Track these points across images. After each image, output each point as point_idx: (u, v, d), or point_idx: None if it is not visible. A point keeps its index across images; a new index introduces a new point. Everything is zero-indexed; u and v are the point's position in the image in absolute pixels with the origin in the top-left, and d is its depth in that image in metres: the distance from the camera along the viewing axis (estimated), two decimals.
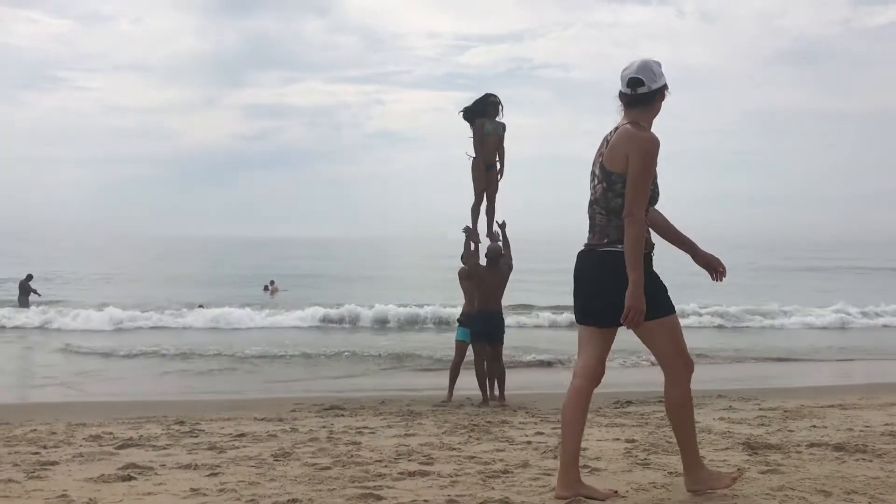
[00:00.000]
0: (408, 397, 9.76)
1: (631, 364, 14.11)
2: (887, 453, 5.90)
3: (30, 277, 25.03)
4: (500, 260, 9.52)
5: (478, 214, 9.41)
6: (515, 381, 10.46)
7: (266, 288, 31.19)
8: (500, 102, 9.28)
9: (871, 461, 5.67)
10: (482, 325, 9.46)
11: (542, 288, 29.53)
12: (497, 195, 9.45)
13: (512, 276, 9.61)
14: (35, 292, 24.72)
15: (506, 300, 9.77)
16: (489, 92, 9.33)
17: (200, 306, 23.33)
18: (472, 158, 9.26)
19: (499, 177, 9.38)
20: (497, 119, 9.27)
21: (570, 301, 4.66)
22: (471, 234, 9.48)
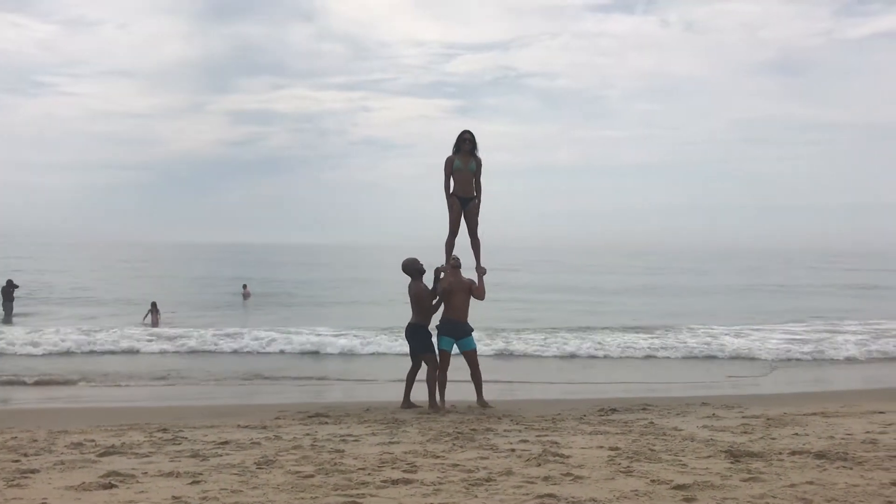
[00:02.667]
0: (393, 404, 9.73)
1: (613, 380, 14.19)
2: (867, 461, 5.95)
3: (10, 283, 24.77)
4: (415, 272, 9.58)
5: (451, 248, 9.61)
6: None
7: (246, 288, 32.25)
8: (471, 138, 9.54)
9: (851, 469, 5.71)
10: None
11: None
12: (479, 229, 9.68)
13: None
14: (14, 286, 24.47)
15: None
16: (464, 129, 9.64)
17: (153, 304, 23.25)
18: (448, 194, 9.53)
19: (477, 210, 9.62)
20: (472, 153, 9.54)
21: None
22: (438, 270, 9.65)
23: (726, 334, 19.56)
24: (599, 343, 17.60)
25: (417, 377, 9.65)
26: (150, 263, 68.03)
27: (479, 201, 9.67)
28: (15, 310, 24.03)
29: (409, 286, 9.61)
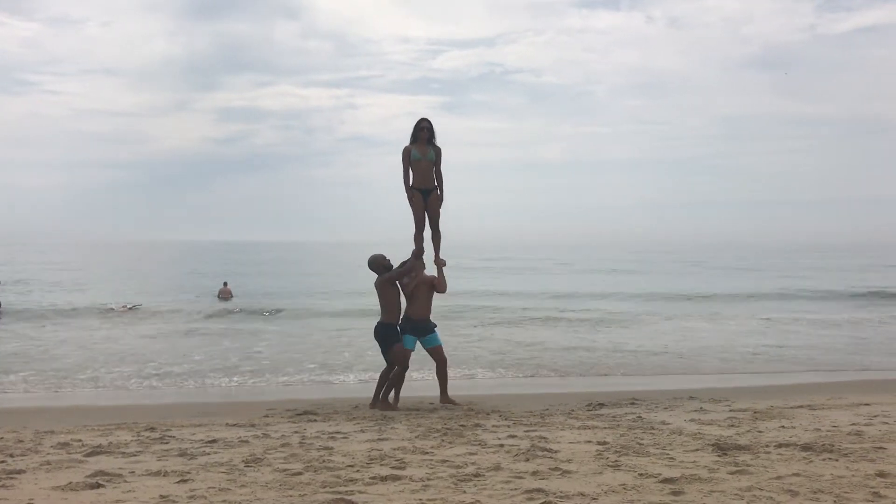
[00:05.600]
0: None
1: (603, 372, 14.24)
2: (853, 452, 6.00)
3: None
4: (382, 268, 9.33)
5: (422, 241, 9.30)
6: None
7: (226, 286, 31.95)
8: (429, 127, 9.18)
9: (837, 460, 5.76)
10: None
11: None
12: (440, 220, 9.32)
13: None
14: None
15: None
16: (422, 117, 9.25)
17: (125, 306, 24.35)
18: (407, 187, 9.18)
19: (439, 201, 9.26)
20: (430, 142, 9.20)
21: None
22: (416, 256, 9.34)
23: None
24: None
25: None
26: (136, 261, 67.76)
27: (442, 192, 9.27)
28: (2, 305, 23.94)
29: (376, 283, 9.33)
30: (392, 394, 9.34)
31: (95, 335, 18.71)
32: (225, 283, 31.70)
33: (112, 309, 23.71)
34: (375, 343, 9.51)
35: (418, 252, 9.34)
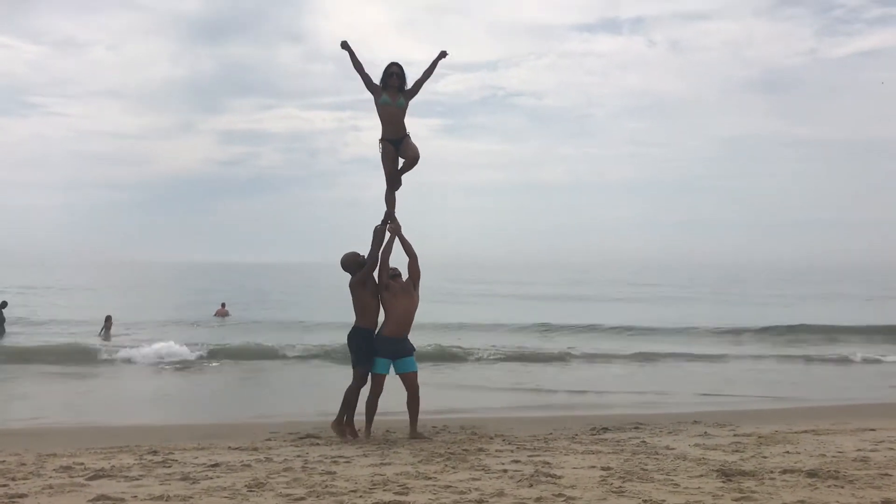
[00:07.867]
0: (385, 424, 9.63)
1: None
2: (859, 479, 5.97)
3: (4, 304, 24.58)
4: (358, 266, 8.45)
5: (393, 201, 8.45)
6: None
7: (223, 307, 32.39)
8: (398, 72, 8.32)
9: (842, 487, 5.73)
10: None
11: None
12: (414, 166, 8.42)
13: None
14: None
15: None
16: (392, 62, 8.42)
17: (107, 318, 24.34)
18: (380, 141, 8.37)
19: (417, 148, 8.35)
20: (401, 90, 8.34)
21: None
22: (390, 226, 8.45)
23: None
24: None
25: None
26: (138, 282, 67.81)
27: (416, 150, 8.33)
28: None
29: (350, 284, 8.45)
30: (365, 423, 8.47)
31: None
32: (223, 305, 32.60)
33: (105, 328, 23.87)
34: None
35: (390, 213, 8.51)
